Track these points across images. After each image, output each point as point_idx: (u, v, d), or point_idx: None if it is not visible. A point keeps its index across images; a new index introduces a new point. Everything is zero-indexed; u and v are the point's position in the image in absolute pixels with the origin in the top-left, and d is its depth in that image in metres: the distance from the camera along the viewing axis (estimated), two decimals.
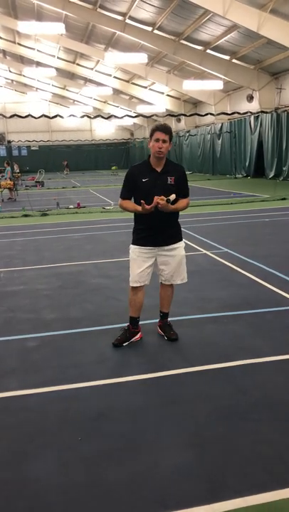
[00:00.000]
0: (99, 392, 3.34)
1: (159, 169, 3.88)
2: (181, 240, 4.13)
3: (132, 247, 4.06)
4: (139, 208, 3.81)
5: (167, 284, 4.18)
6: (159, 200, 3.73)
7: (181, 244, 4.10)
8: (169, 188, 3.84)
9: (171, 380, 3.46)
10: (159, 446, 2.70)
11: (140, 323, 4.25)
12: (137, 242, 4.02)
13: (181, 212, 4.10)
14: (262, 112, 24.08)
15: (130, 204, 3.96)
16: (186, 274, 4.19)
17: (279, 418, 2.91)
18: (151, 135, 3.80)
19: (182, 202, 3.98)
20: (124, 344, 4.11)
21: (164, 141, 3.74)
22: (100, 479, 2.45)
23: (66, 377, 3.57)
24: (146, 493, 2.33)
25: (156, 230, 3.94)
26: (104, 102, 46.66)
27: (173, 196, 3.85)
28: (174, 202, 3.89)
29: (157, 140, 3.74)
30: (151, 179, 3.84)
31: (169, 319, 4.34)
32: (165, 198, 3.76)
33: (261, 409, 3.02)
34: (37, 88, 46.46)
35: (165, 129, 3.76)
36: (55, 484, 2.44)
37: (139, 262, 4.00)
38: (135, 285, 4.05)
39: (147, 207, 3.74)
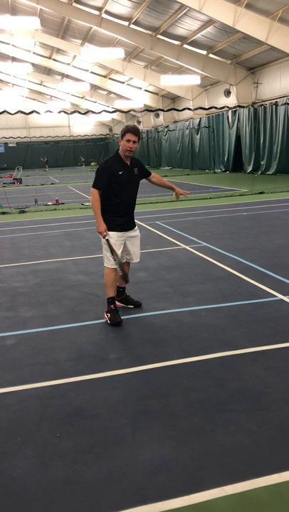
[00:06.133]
0: (77, 389, 3.33)
1: (128, 163, 4.51)
2: None
3: (112, 233, 4.50)
4: (100, 219, 4.39)
5: (127, 263, 4.80)
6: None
7: (137, 227, 4.81)
8: (136, 177, 4.58)
9: (149, 374, 3.47)
10: (137, 440, 2.71)
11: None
12: (116, 228, 4.50)
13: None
14: (239, 106, 24.24)
15: (99, 209, 4.42)
16: None
17: (255, 409, 2.94)
18: (123, 135, 4.37)
19: (157, 176, 4.86)
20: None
21: (134, 142, 4.35)
22: (79, 475, 2.45)
23: (44, 375, 3.55)
24: (125, 487, 2.34)
25: (128, 216, 4.61)
26: (82, 98, 46.36)
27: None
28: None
29: (128, 141, 4.34)
30: (125, 172, 4.47)
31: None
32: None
33: (239, 400, 3.05)
34: (13, 84, 45.84)
35: (136, 132, 4.38)
36: (35, 482, 2.42)
37: (118, 245, 4.52)
38: (116, 267, 4.49)
39: (105, 233, 4.41)
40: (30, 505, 2.27)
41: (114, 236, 4.48)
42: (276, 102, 22.31)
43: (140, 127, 44.06)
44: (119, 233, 4.52)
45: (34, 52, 33.14)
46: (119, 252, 4.49)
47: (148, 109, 28.92)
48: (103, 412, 3.01)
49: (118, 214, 4.50)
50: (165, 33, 23.19)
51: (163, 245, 7.89)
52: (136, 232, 4.72)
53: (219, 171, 28.50)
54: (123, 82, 36.18)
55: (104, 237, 4.44)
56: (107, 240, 4.43)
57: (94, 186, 4.42)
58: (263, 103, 24.02)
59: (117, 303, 4.69)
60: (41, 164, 48.45)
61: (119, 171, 4.40)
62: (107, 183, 4.38)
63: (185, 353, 3.76)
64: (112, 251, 4.43)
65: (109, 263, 4.51)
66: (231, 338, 4.00)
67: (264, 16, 17.74)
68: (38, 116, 47.94)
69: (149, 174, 4.77)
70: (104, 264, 4.60)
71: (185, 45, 24.14)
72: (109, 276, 4.55)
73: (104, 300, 4.78)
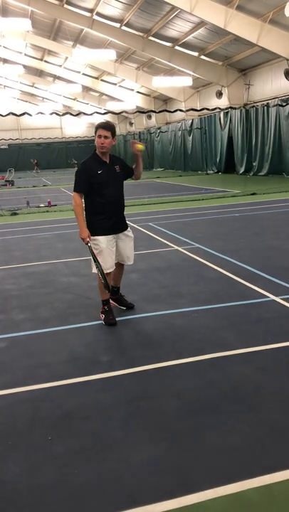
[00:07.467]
0: (69, 391, 3.31)
1: (107, 161, 4.42)
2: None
3: (99, 238, 4.38)
4: (83, 225, 4.32)
5: (121, 264, 4.71)
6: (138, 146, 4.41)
7: (129, 229, 4.70)
8: (118, 175, 4.45)
9: (141, 376, 3.46)
10: (128, 442, 2.70)
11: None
12: (102, 232, 4.39)
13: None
14: (231, 107, 24.33)
15: (81, 215, 4.37)
16: None
17: (247, 409, 2.94)
18: (95, 132, 4.30)
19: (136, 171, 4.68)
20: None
21: (105, 137, 4.25)
22: (70, 478, 2.43)
23: (35, 378, 3.53)
24: (117, 490, 2.33)
25: (116, 218, 4.46)
26: (74, 100, 46.26)
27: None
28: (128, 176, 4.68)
29: (100, 136, 4.26)
30: (105, 170, 4.36)
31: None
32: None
33: (230, 401, 3.05)
34: (5, 86, 45.68)
35: (106, 126, 4.28)
36: (25, 486, 2.40)
37: (109, 250, 4.41)
38: (110, 271, 4.47)
39: (88, 239, 4.33)
40: (21, 509, 2.25)
41: (104, 240, 4.39)
42: (267, 103, 22.41)
43: (132, 129, 44.08)
44: (109, 236, 4.42)
45: (26, 54, 33.02)
46: (111, 257, 4.43)
47: (140, 111, 28.92)
48: (95, 415, 2.99)
49: (105, 215, 4.39)
50: (157, 35, 23.22)
51: (155, 247, 7.89)
52: (128, 234, 4.63)
53: (211, 172, 28.55)
54: (115, 84, 36.16)
55: (86, 244, 4.36)
56: (90, 247, 4.37)
57: (74, 190, 4.38)
58: (255, 104, 24.11)
59: (111, 301, 4.65)
60: (33, 166, 48.28)
61: (98, 170, 4.32)
62: (87, 184, 4.32)
63: (177, 354, 3.76)
64: (94, 258, 4.34)
65: (96, 269, 4.42)
66: (223, 339, 4.00)
67: (255, 18, 17.82)
68: (30, 118, 47.66)
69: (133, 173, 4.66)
70: (93, 270, 4.52)
71: (177, 47, 24.18)
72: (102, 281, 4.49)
73: (96, 302, 4.77)
